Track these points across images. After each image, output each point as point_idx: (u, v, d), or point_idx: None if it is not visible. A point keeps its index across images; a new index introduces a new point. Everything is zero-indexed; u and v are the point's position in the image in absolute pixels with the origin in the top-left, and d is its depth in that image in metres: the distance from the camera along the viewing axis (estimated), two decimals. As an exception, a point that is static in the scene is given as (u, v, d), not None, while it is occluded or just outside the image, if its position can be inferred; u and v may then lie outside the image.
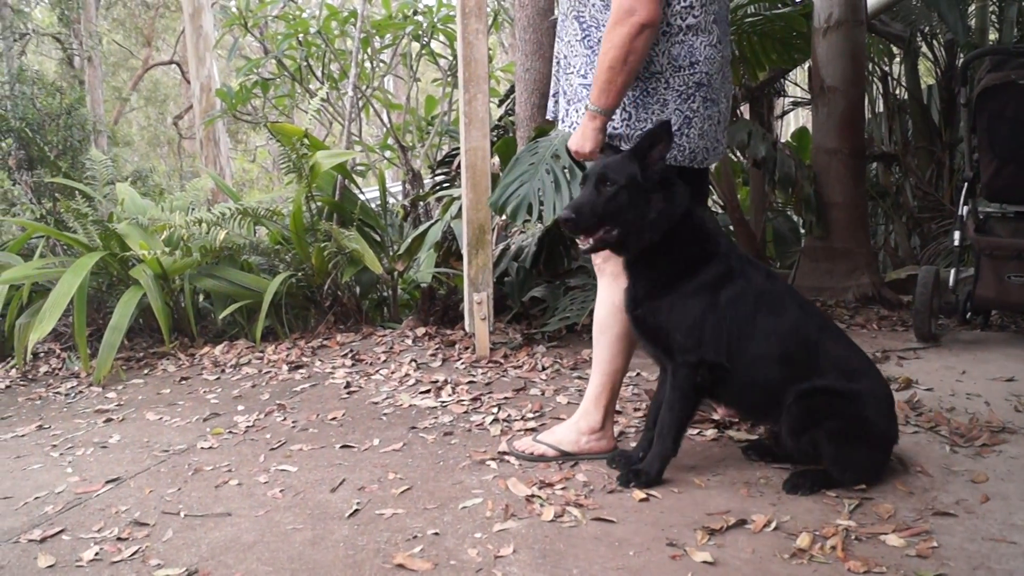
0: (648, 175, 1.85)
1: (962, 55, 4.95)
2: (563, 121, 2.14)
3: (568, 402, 2.65)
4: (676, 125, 1.98)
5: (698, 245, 1.90)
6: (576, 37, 2.04)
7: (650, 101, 1.98)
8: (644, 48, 1.87)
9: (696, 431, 2.33)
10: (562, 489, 1.93)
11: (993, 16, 5.18)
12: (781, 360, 1.87)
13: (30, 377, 3.70)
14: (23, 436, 2.73)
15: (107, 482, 2.18)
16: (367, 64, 5.28)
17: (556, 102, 2.18)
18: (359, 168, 5.31)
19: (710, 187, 5.50)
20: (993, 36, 5.16)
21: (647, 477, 1.92)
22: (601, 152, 2.01)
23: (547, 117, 2.27)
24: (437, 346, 3.45)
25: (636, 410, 2.53)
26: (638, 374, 2.93)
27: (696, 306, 1.86)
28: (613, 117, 2.00)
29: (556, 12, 4.27)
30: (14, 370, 3.75)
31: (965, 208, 3.35)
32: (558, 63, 2.14)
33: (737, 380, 1.89)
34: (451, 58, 5.30)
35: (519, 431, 2.37)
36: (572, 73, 2.06)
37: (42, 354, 4.03)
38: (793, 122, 10.43)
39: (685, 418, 1.94)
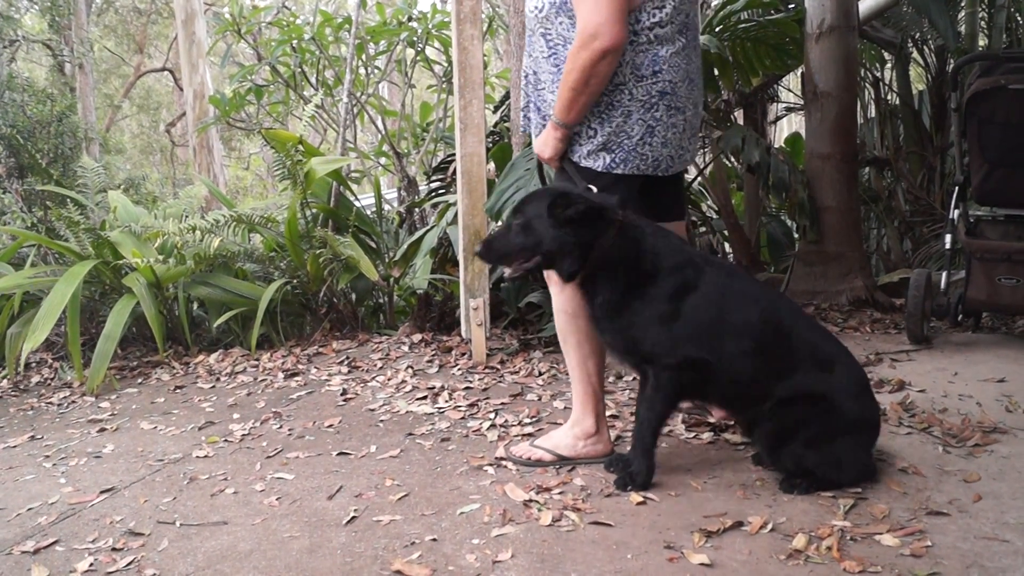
0: (556, 213, 1.86)
1: (952, 60, 4.99)
2: (536, 136, 2.15)
3: (565, 407, 2.66)
4: (639, 135, 1.98)
5: (641, 263, 1.88)
6: (543, 55, 2.04)
7: (613, 114, 1.98)
8: (607, 72, 1.88)
9: (692, 434, 2.34)
10: (559, 493, 1.93)
11: (982, 22, 5.22)
12: (757, 352, 1.87)
13: (22, 387, 3.67)
14: (15, 447, 2.71)
15: (101, 492, 2.17)
16: (362, 70, 5.28)
17: (527, 117, 2.19)
18: (354, 175, 5.31)
19: (704, 192, 5.55)
20: (983, 42, 5.21)
21: (641, 478, 1.94)
22: (560, 161, 2.05)
23: (520, 132, 2.28)
24: (433, 352, 3.45)
25: (632, 414, 2.54)
26: (634, 379, 2.93)
27: (661, 313, 1.86)
28: (578, 132, 2.01)
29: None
30: (5, 380, 3.73)
31: (956, 212, 3.38)
32: (526, 78, 2.15)
33: (722, 377, 1.89)
34: (446, 64, 5.32)
35: (516, 436, 2.37)
36: (543, 89, 2.07)
37: (34, 364, 4.01)
38: (786, 127, 10.49)
39: (664, 417, 1.96)
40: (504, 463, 2.16)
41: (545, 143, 2.03)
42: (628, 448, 2.20)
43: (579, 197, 1.87)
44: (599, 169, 2.01)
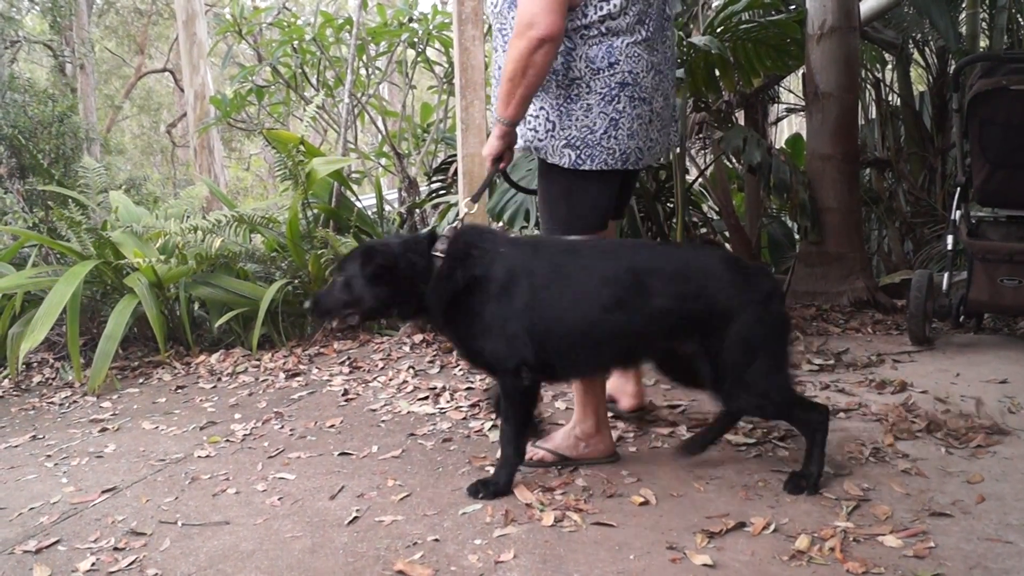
0: (365, 272, 1.90)
1: (953, 61, 4.99)
2: None
3: (566, 407, 2.65)
4: (602, 129, 1.97)
5: (470, 285, 1.89)
6: (502, 48, 2.05)
7: (573, 108, 1.97)
8: (543, 62, 1.86)
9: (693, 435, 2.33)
10: (562, 494, 1.93)
11: (984, 23, 5.22)
12: (611, 308, 1.84)
13: (23, 387, 3.67)
14: (17, 447, 2.71)
15: (103, 492, 2.17)
16: (362, 71, 5.28)
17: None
18: (355, 175, 5.32)
19: (705, 193, 5.55)
20: (984, 43, 5.21)
21: (495, 487, 1.95)
22: (494, 163, 2.05)
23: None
24: (435, 353, 3.45)
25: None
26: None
27: (489, 324, 1.88)
28: (536, 129, 2.01)
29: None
30: (7, 380, 3.73)
31: (958, 213, 3.37)
32: (498, 73, 2.16)
33: (578, 357, 1.90)
34: (446, 65, 5.32)
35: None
36: None
37: (35, 364, 4.01)
38: (786, 128, 10.48)
39: (522, 424, 1.97)
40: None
41: (488, 144, 2.04)
42: (631, 450, 2.20)
43: (380, 252, 1.90)
44: (566, 166, 2.00)
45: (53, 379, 3.76)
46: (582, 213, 2.05)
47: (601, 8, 1.92)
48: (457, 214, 2.28)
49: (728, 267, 1.88)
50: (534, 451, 2.14)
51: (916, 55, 5.57)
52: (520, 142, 2.08)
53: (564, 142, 1.98)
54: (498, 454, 2.21)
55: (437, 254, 1.90)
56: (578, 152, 1.98)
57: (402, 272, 1.90)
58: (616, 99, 1.96)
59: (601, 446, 2.13)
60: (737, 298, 1.83)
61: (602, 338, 1.87)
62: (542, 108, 2.00)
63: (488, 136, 2.20)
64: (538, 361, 1.87)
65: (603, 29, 1.93)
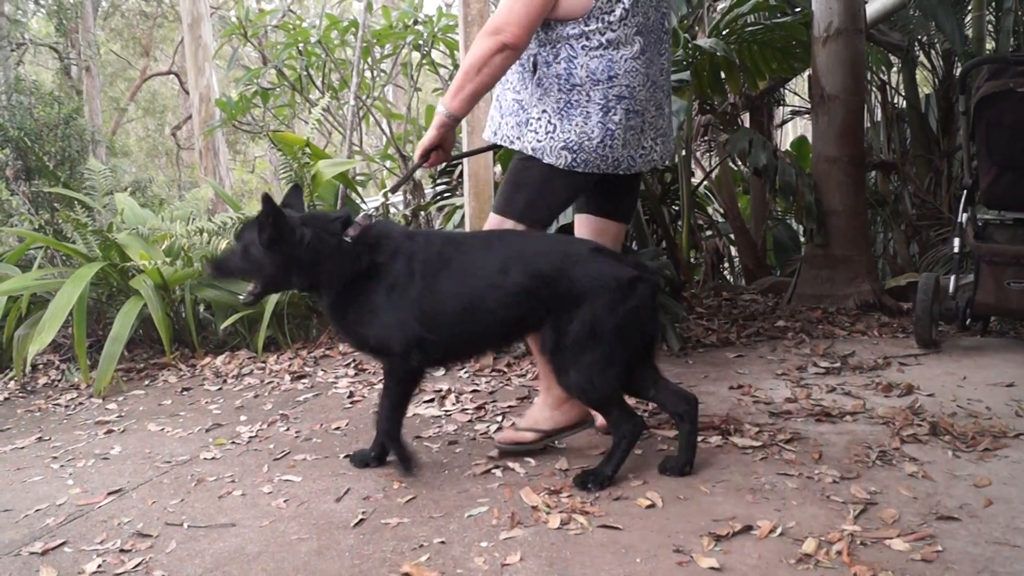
0: (262, 237, 1.94)
1: (959, 64, 4.98)
2: (495, 134, 2.19)
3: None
4: (599, 138, 2.03)
5: (358, 264, 1.96)
6: None
7: (573, 113, 2.03)
8: (501, 66, 1.95)
9: (700, 438, 2.32)
10: (568, 496, 1.93)
11: (989, 26, 5.22)
12: (486, 290, 1.93)
13: (29, 389, 3.68)
14: (23, 448, 2.71)
15: (109, 494, 2.17)
16: (367, 74, 5.29)
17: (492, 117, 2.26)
18: (360, 178, 5.32)
19: (710, 196, 5.55)
20: (990, 45, 5.20)
21: (404, 465, 2.06)
22: (423, 156, 2.10)
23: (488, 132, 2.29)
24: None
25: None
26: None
27: (378, 308, 1.96)
28: (537, 131, 2.05)
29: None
30: (13, 382, 3.74)
31: (964, 215, 3.37)
32: None
33: (459, 341, 2.00)
34: (451, 68, 5.32)
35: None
36: (508, 88, 2.12)
37: (41, 366, 4.02)
38: (792, 131, 10.47)
39: (399, 405, 2.05)
40: (512, 466, 2.15)
41: (427, 132, 2.08)
42: (635, 451, 2.19)
43: (276, 221, 1.92)
44: (561, 167, 2.06)
45: (59, 381, 3.77)
46: (539, 205, 2.11)
47: (602, 20, 1.98)
48: (379, 207, 2.40)
49: (592, 254, 1.95)
50: (516, 434, 2.20)
51: (922, 57, 5.57)
52: (519, 144, 2.11)
53: (562, 144, 2.04)
54: (493, 445, 2.22)
55: (346, 238, 1.96)
56: (575, 155, 2.05)
57: (304, 243, 1.95)
58: (613, 111, 2.03)
59: (573, 412, 2.19)
60: (591, 282, 1.89)
61: (480, 315, 1.95)
62: (544, 111, 2.05)
63: (493, 139, 2.22)
64: (429, 343, 1.95)
65: (603, 41, 1.99)
